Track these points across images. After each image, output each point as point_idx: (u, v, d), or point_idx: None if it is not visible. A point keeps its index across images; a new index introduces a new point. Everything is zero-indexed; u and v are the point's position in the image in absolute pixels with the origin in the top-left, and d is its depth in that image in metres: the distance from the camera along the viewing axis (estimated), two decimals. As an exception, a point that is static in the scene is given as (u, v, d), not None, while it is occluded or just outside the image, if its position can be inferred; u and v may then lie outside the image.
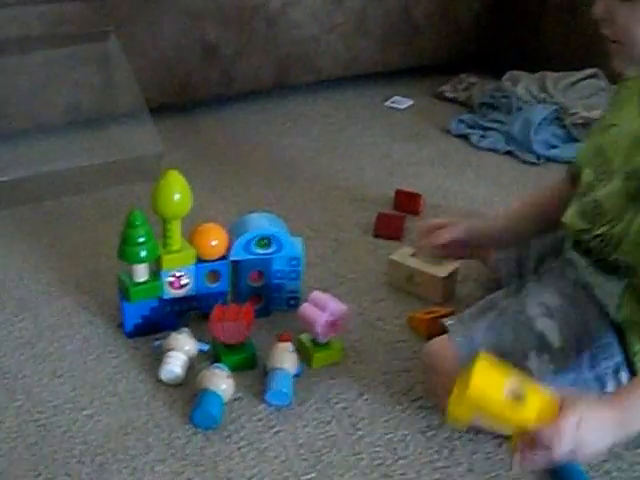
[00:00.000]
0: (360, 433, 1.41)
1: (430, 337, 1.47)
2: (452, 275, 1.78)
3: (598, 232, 1.35)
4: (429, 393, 1.47)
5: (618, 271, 1.34)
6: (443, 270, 1.77)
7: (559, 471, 1.27)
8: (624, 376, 1.35)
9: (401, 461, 1.36)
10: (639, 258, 1.29)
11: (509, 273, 1.68)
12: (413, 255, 1.82)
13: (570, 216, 1.45)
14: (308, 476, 1.33)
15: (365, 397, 1.49)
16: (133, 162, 2.21)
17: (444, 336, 1.42)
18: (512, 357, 1.32)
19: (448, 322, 1.43)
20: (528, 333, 1.37)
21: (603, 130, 1.44)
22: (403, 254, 1.82)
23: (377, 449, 1.38)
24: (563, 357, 1.35)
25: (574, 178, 1.50)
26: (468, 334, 1.39)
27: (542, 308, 1.40)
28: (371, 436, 1.41)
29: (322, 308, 1.55)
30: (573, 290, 1.43)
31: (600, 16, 1.25)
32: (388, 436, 1.41)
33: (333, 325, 1.56)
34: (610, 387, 1.36)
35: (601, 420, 1.15)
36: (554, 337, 1.36)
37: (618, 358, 1.35)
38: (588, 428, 1.13)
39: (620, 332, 1.37)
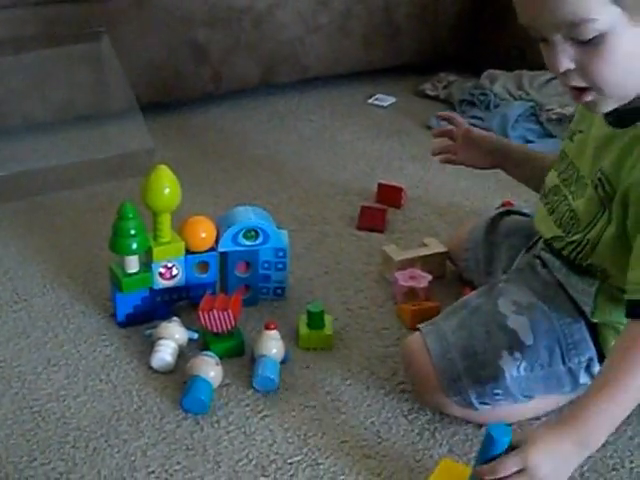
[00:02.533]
0: (344, 417, 1.43)
1: (414, 327, 1.49)
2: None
3: (572, 239, 1.35)
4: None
5: (591, 273, 1.34)
6: (441, 247, 1.83)
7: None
8: (596, 369, 1.36)
9: (384, 443, 1.37)
10: (613, 262, 1.29)
11: (479, 273, 1.70)
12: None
13: (541, 221, 1.45)
14: (294, 459, 1.34)
15: (349, 382, 1.51)
16: (125, 158, 2.23)
17: (417, 334, 1.43)
18: (484, 356, 1.35)
19: (422, 326, 1.43)
20: (500, 331, 1.37)
21: (569, 136, 1.43)
22: (394, 250, 1.84)
23: (361, 432, 1.40)
24: (535, 355, 1.36)
25: None
26: (440, 333, 1.40)
27: (514, 306, 1.40)
28: (355, 420, 1.42)
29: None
30: (545, 288, 1.43)
31: (565, 69, 1.16)
32: (371, 419, 1.43)
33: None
34: (582, 380, 1.37)
35: (563, 453, 1.15)
36: (526, 335, 1.36)
37: (590, 353, 1.37)
38: (553, 467, 1.14)
39: (592, 327, 1.37)
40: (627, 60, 1.14)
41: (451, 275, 1.84)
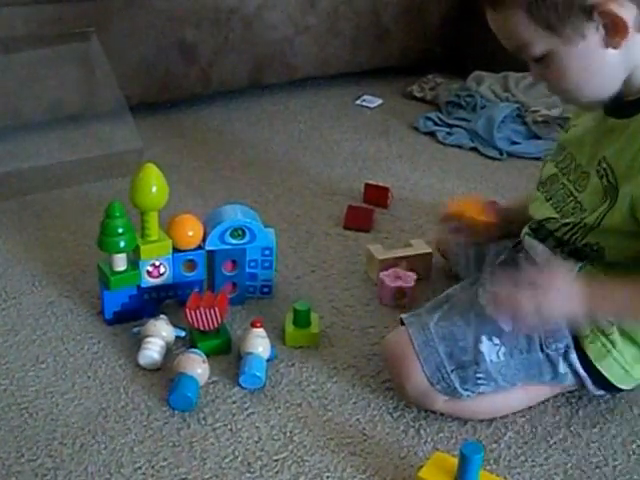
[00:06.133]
0: (330, 414, 1.44)
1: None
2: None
3: (567, 221, 1.38)
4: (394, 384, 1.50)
5: (579, 254, 1.37)
6: (426, 248, 1.85)
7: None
8: (573, 357, 1.39)
9: (369, 440, 1.38)
10: (614, 240, 1.32)
11: (469, 269, 1.71)
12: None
13: (537, 208, 1.48)
14: (280, 456, 1.35)
15: (335, 380, 1.52)
16: (114, 158, 2.23)
17: (401, 327, 1.45)
18: (465, 342, 1.38)
19: (404, 316, 1.46)
20: (479, 319, 1.40)
21: (566, 129, 1.51)
22: (378, 249, 1.85)
23: (346, 429, 1.40)
24: (514, 340, 1.38)
25: None
26: (422, 324, 1.41)
27: (493, 295, 1.41)
28: (340, 417, 1.43)
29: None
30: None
31: (536, 81, 1.34)
32: (357, 417, 1.43)
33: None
34: (561, 368, 1.40)
35: (569, 290, 1.27)
36: (505, 323, 1.37)
37: (567, 341, 1.39)
38: (557, 291, 1.27)
39: None
40: (577, 73, 1.26)
41: (436, 276, 1.85)
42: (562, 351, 1.39)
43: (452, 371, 1.38)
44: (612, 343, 1.37)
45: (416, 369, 1.39)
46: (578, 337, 1.39)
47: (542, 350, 1.39)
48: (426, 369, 1.39)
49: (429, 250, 1.85)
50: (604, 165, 1.32)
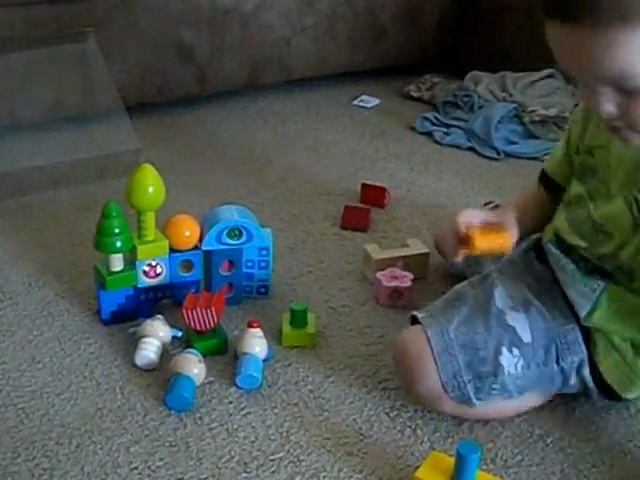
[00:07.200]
0: (326, 414, 1.44)
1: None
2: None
3: (601, 251, 1.34)
4: (401, 382, 1.48)
5: (603, 274, 1.34)
6: (423, 248, 1.84)
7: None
8: (586, 371, 1.38)
9: (366, 440, 1.38)
10: None
11: (469, 264, 1.69)
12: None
13: (564, 230, 1.42)
14: (276, 456, 1.35)
15: (331, 380, 1.52)
16: (111, 158, 2.24)
17: (417, 327, 1.41)
18: (485, 351, 1.35)
19: (419, 315, 1.42)
20: (500, 328, 1.37)
21: (587, 150, 1.38)
22: (375, 249, 1.85)
23: (343, 429, 1.40)
24: (532, 352, 1.37)
25: (551, 189, 1.53)
26: (442, 327, 1.38)
27: (511, 301, 1.40)
28: (337, 417, 1.43)
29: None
30: (538, 283, 1.44)
31: (609, 115, 1.12)
32: (353, 417, 1.43)
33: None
34: (572, 380, 1.39)
35: None
36: (524, 332, 1.37)
37: (582, 355, 1.38)
38: None
39: (584, 330, 1.38)
40: None
41: (434, 276, 1.86)
42: (576, 365, 1.38)
43: (469, 381, 1.36)
44: (624, 357, 1.37)
45: (431, 373, 1.36)
46: (592, 353, 1.38)
47: (558, 363, 1.38)
48: (442, 376, 1.36)
49: (426, 250, 1.85)
50: (636, 195, 1.27)
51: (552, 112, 2.54)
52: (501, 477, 1.31)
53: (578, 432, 1.42)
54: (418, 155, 2.51)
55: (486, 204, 1.90)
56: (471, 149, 2.55)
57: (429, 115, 2.71)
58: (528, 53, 2.78)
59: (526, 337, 1.37)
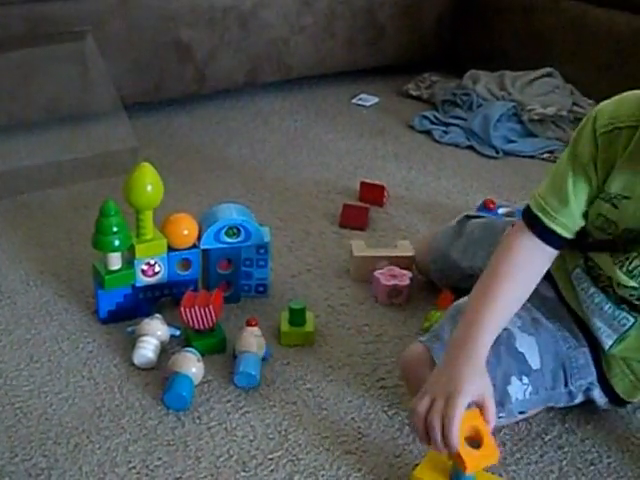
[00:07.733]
0: (325, 413, 1.44)
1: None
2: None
3: (632, 284, 1.27)
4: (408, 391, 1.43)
5: (631, 305, 1.30)
6: (409, 251, 1.82)
7: None
8: (595, 393, 1.38)
9: (364, 439, 1.38)
10: None
11: (451, 279, 1.68)
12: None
13: (605, 265, 1.31)
14: (275, 454, 1.35)
15: (330, 378, 1.52)
16: (109, 157, 2.24)
17: (421, 346, 1.36)
18: (494, 381, 1.25)
19: (424, 339, 1.37)
20: (509, 356, 1.32)
21: (608, 198, 1.25)
22: (360, 245, 1.84)
23: (341, 428, 1.40)
24: (541, 379, 1.34)
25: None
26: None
27: (519, 320, 1.35)
28: (335, 415, 1.43)
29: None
30: (543, 303, 1.39)
31: None
32: (352, 415, 1.43)
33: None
34: (578, 400, 1.39)
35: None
36: (533, 358, 1.33)
37: (592, 377, 1.37)
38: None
39: (595, 351, 1.36)
40: None
41: (416, 280, 1.80)
42: (584, 387, 1.37)
43: None
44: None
45: None
46: (606, 375, 1.37)
47: (566, 385, 1.37)
48: None
49: (411, 254, 1.82)
50: None
51: (550, 111, 2.54)
52: (500, 475, 1.31)
53: (576, 429, 1.42)
54: (417, 154, 2.51)
55: (480, 206, 1.90)
56: (470, 148, 2.55)
57: (428, 114, 2.71)
58: (526, 52, 2.79)
59: (535, 363, 1.34)
